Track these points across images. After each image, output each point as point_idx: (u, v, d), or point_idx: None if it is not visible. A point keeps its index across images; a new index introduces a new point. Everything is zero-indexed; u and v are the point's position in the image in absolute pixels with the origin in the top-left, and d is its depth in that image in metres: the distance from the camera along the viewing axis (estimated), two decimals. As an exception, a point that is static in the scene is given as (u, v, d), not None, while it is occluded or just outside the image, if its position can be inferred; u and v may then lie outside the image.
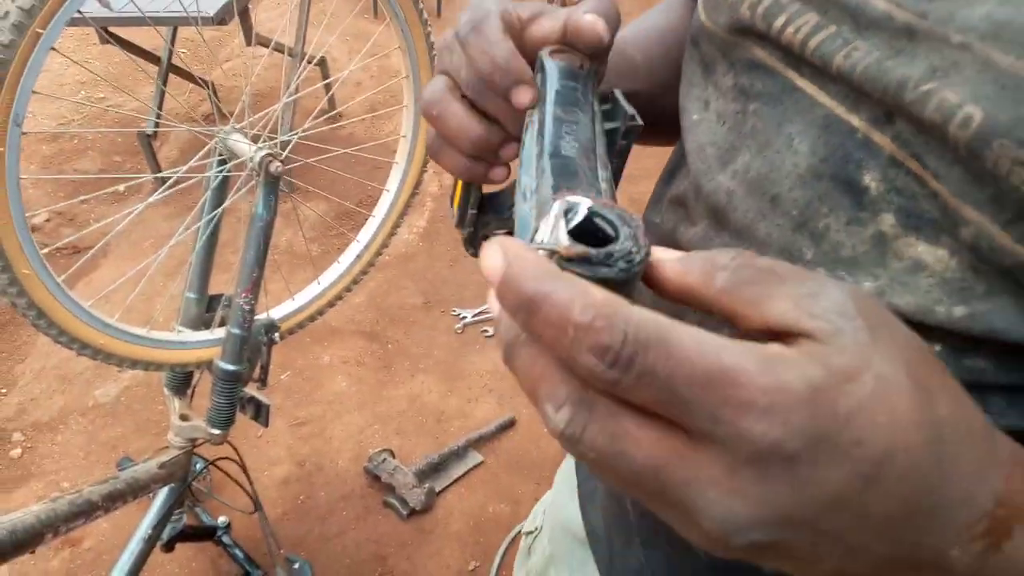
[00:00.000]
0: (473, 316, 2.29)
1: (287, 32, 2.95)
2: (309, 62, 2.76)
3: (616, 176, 0.41)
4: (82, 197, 2.52)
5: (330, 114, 2.82)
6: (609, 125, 0.41)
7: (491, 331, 2.24)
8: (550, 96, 0.36)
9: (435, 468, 1.76)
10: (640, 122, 0.40)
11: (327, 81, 2.94)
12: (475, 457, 1.82)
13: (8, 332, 2.18)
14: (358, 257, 1.41)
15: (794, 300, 0.22)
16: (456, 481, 1.76)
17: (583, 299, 0.20)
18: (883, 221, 0.33)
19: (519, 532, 1.67)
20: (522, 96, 0.38)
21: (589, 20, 0.37)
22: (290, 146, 1.30)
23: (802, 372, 0.20)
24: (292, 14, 2.91)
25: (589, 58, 0.39)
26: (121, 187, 2.70)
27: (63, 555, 1.58)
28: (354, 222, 2.50)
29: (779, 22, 0.36)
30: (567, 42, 0.38)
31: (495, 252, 0.22)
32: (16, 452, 1.83)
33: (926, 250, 0.32)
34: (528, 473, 1.83)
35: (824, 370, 0.20)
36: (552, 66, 0.38)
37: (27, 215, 1.01)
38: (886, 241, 0.33)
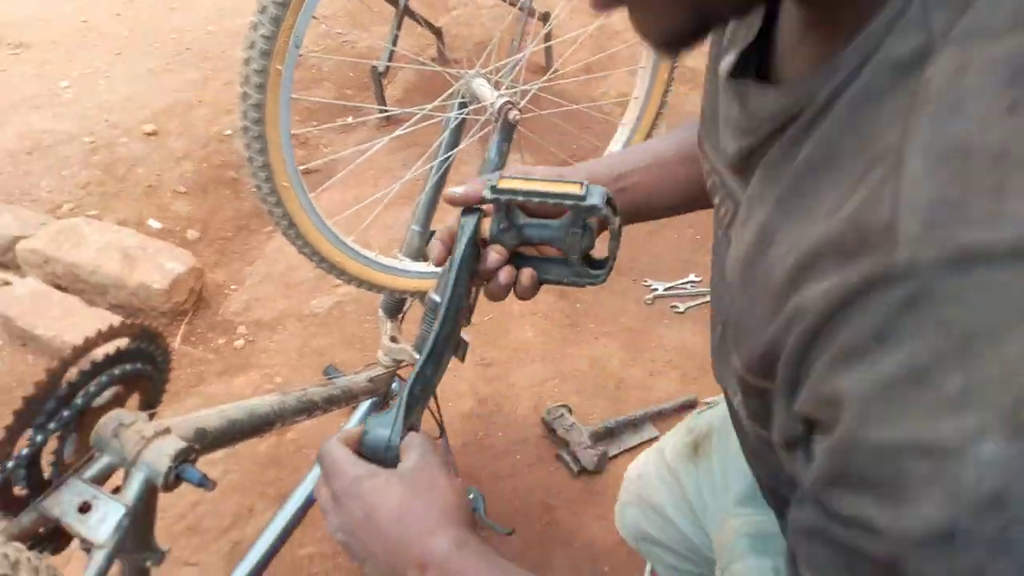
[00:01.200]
0: (665, 289, 2.25)
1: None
2: (533, 15, 2.78)
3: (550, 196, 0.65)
4: (315, 124, 2.72)
5: (554, 71, 2.85)
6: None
7: (681, 307, 2.19)
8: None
9: (610, 433, 1.76)
10: (493, 190, 0.65)
11: (550, 42, 2.95)
12: (651, 431, 1.80)
13: (242, 236, 2.42)
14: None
15: None
16: (629, 450, 1.75)
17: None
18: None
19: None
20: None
21: (447, 194, 0.71)
22: (528, 96, 1.32)
23: (358, 472, 0.59)
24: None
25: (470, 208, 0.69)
26: (350, 118, 2.90)
27: (269, 441, 1.75)
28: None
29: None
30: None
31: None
32: (240, 343, 2.05)
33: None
34: (701, 456, 1.78)
35: (367, 474, 0.59)
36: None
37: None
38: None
